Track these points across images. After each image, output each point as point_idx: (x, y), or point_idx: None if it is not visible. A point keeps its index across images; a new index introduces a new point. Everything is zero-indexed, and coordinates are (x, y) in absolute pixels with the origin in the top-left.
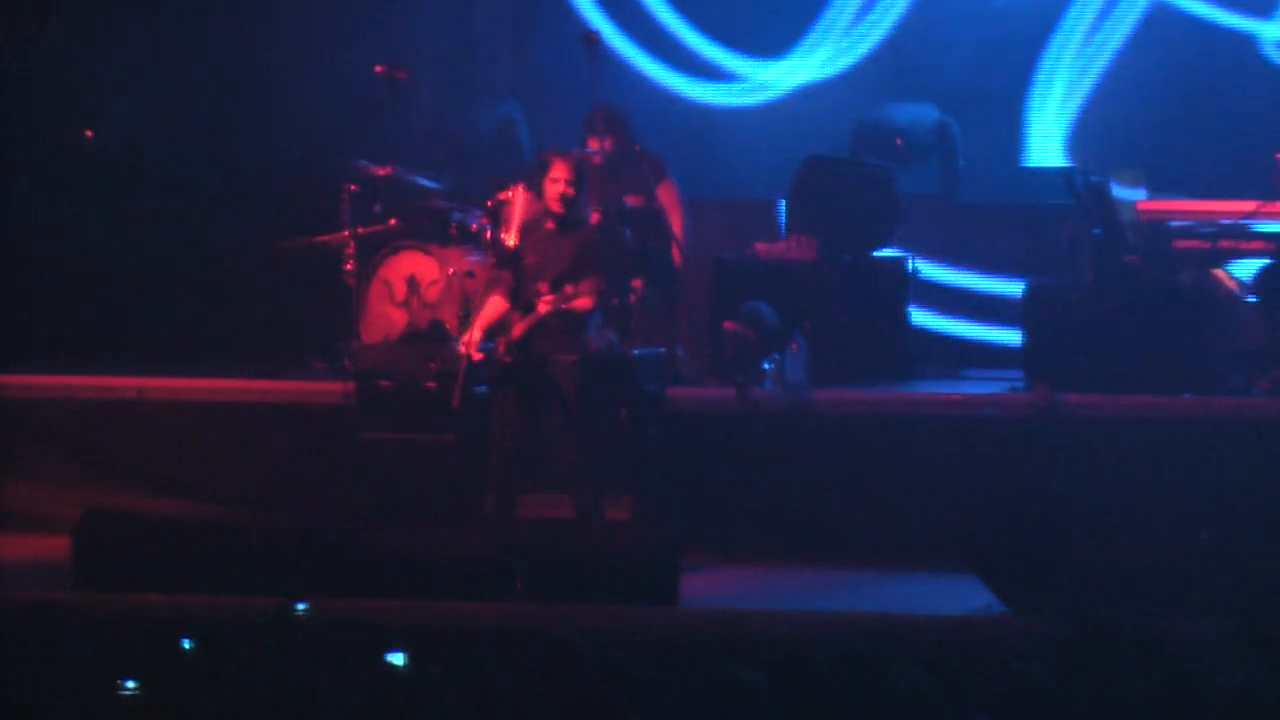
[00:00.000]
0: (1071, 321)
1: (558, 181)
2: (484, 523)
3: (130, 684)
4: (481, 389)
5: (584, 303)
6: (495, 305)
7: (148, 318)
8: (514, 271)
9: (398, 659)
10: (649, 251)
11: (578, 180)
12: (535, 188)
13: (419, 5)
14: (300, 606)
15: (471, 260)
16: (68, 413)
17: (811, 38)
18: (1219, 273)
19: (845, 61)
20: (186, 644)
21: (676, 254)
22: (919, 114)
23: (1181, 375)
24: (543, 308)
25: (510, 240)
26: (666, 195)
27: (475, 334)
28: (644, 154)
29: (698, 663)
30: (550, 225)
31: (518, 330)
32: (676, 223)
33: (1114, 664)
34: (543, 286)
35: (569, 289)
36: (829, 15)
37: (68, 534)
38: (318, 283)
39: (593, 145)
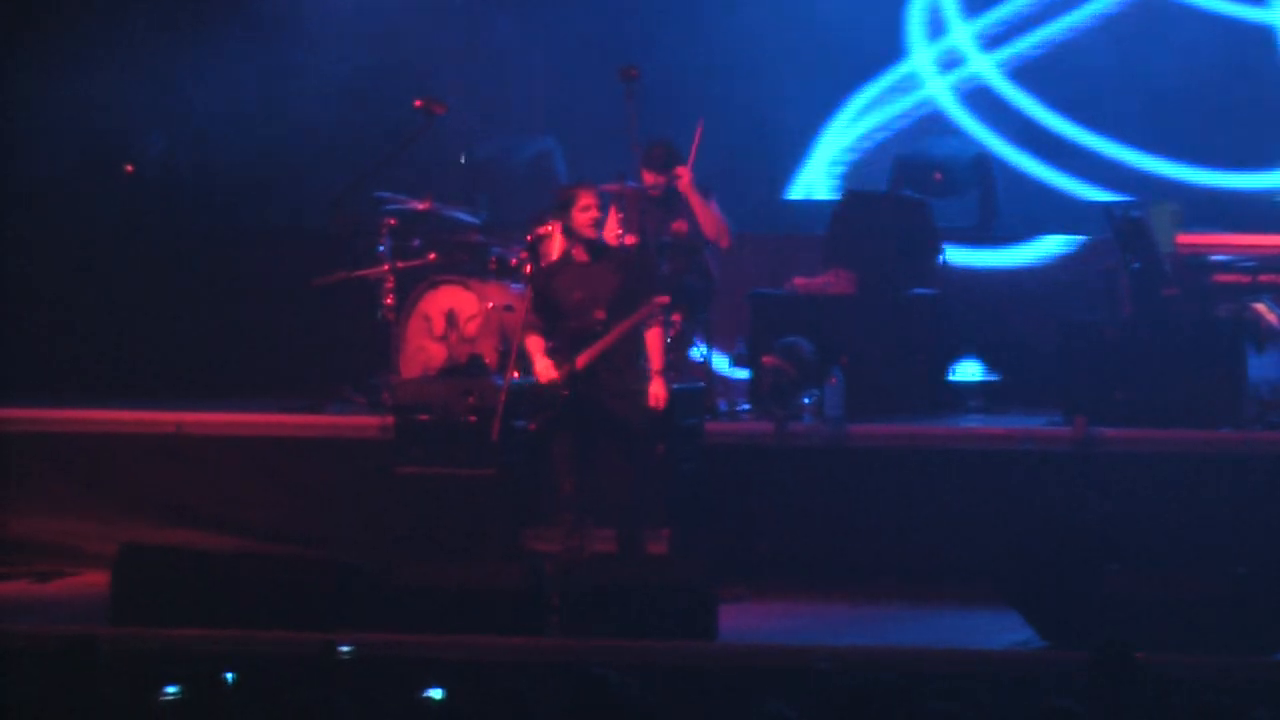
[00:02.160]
0: (1110, 355)
1: (589, 209)
2: (521, 557)
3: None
4: (520, 423)
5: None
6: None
7: (186, 352)
8: (548, 305)
9: (435, 694)
10: (687, 285)
11: (603, 207)
12: (563, 224)
13: (456, 39)
14: (343, 649)
15: (510, 295)
16: (106, 447)
17: None
18: (1259, 306)
19: None
20: (229, 678)
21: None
22: (957, 148)
23: (1220, 409)
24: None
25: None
26: (713, 208)
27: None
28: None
29: (735, 697)
30: (583, 256)
31: (582, 360)
32: (710, 215)
33: (1141, 696)
34: (600, 314)
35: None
36: None
37: (106, 569)
38: (357, 317)
39: (648, 179)
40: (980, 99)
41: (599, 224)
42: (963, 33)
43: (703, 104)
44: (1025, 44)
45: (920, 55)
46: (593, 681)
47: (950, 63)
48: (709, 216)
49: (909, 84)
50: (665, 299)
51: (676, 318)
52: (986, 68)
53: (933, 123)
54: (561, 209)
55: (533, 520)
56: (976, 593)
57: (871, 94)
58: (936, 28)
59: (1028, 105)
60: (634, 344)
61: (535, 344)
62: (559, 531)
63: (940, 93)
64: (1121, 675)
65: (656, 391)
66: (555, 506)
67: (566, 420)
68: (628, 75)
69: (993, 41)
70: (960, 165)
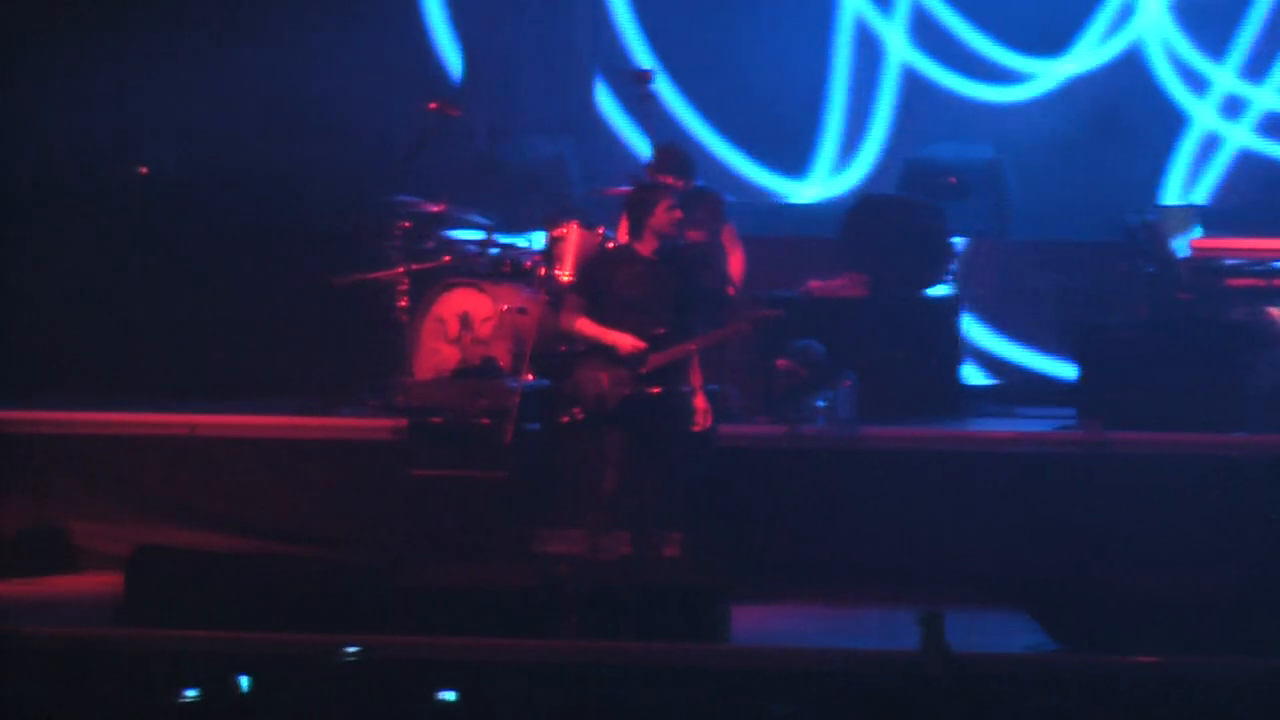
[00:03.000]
0: (1124, 359)
1: (675, 208)
2: (534, 559)
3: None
4: (533, 425)
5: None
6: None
7: (200, 354)
8: (597, 295)
9: (448, 695)
10: (702, 290)
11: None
12: (638, 219)
13: (470, 42)
14: (350, 649)
15: (524, 297)
16: (120, 449)
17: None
18: (1273, 310)
19: None
20: (244, 681)
21: (731, 293)
22: (970, 152)
23: (1234, 413)
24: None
25: (565, 276)
26: (728, 235)
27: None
28: (705, 192)
29: (747, 699)
30: (649, 254)
31: (658, 359)
32: (736, 261)
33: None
34: (662, 316)
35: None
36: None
37: (119, 570)
38: (370, 319)
39: (665, 183)
40: None
41: (682, 224)
42: None
43: None
44: None
45: None
46: (603, 683)
47: None
48: (739, 259)
49: None
50: (771, 312)
51: None
52: None
53: None
54: (641, 207)
55: (545, 522)
56: (989, 595)
57: None
58: None
59: None
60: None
61: (590, 324)
62: (583, 532)
63: None
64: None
65: (704, 407)
66: (584, 504)
67: (617, 417)
68: (641, 78)
69: None
70: (973, 169)
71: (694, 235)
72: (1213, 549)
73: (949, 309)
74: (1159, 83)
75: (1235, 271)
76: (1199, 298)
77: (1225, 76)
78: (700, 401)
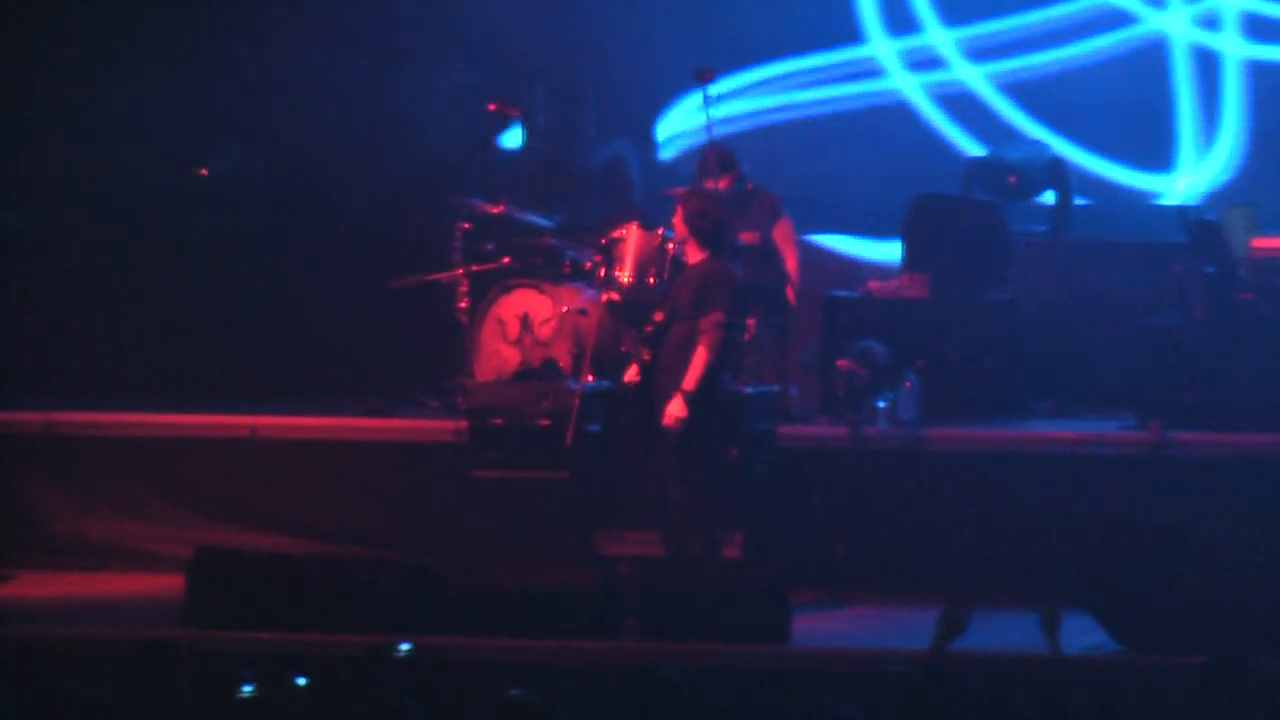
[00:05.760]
0: (1184, 359)
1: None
2: (595, 560)
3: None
4: (594, 427)
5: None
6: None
7: (261, 355)
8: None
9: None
10: (761, 288)
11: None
12: (665, 224)
13: (530, 42)
14: (403, 647)
15: (584, 298)
16: (181, 450)
17: None
18: None
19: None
20: (301, 681)
21: (790, 292)
22: (1031, 152)
23: None
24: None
25: (625, 278)
26: (781, 233)
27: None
28: (759, 191)
29: (809, 701)
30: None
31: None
32: (791, 260)
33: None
34: (657, 316)
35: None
36: None
37: (180, 572)
38: (431, 320)
39: (708, 185)
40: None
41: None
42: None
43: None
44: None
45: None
46: (664, 683)
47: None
48: (794, 257)
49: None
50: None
51: (750, 321)
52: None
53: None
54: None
55: (605, 523)
56: (1051, 596)
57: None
58: (901, 24)
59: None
60: (687, 356)
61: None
62: (657, 536)
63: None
64: (1234, 685)
65: (672, 410)
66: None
67: (634, 424)
68: (702, 77)
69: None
70: (1034, 169)
71: (746, 237)
72: (1273, 550)
73: (1010, 308)
74: None
75: None
76: (1260, 297)
77: None
78: (674, 405)
